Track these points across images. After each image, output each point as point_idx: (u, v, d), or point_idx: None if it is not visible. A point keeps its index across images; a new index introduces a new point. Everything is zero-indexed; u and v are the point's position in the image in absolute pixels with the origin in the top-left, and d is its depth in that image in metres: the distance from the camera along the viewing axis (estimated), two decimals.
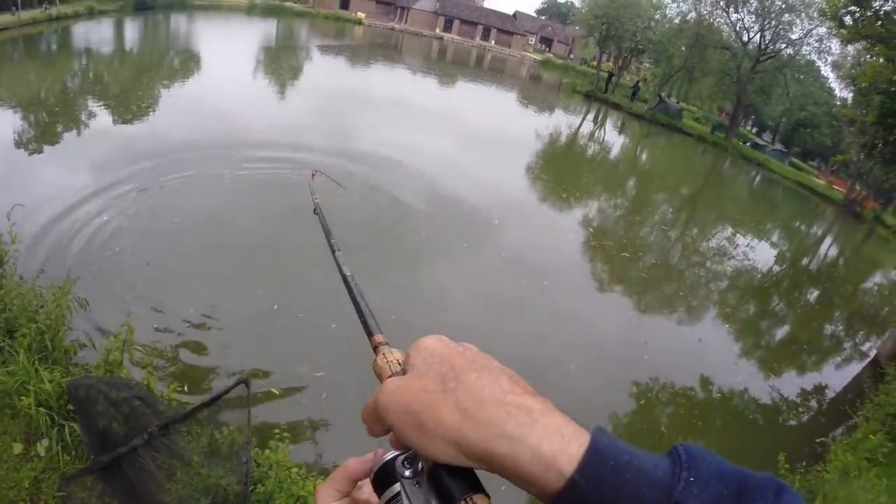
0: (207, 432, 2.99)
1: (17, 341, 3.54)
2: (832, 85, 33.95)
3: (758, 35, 30.24)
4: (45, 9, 39.06)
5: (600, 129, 26.72)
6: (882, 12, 10.73)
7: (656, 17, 34.89)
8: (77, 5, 42.60)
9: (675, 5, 32.13)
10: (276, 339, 5.27)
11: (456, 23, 59.82)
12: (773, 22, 29.13)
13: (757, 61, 30.07)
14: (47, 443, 3.14)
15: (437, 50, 47.75)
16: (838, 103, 31.40)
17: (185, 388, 4.13)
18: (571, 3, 44.67)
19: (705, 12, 30.85)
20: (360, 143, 12.21)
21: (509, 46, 60.43)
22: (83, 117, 12.29)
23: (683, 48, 30.96)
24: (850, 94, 19.92)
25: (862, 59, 14.98)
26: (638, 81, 39.64)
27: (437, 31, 58.08)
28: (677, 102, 36.52)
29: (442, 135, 14.90)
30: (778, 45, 29.94)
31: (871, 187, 27.17)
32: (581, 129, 24.58)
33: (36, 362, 3.41)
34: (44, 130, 10.83)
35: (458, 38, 58.47)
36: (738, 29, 30.87)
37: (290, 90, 18.63)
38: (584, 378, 5.93)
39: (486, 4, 76.81)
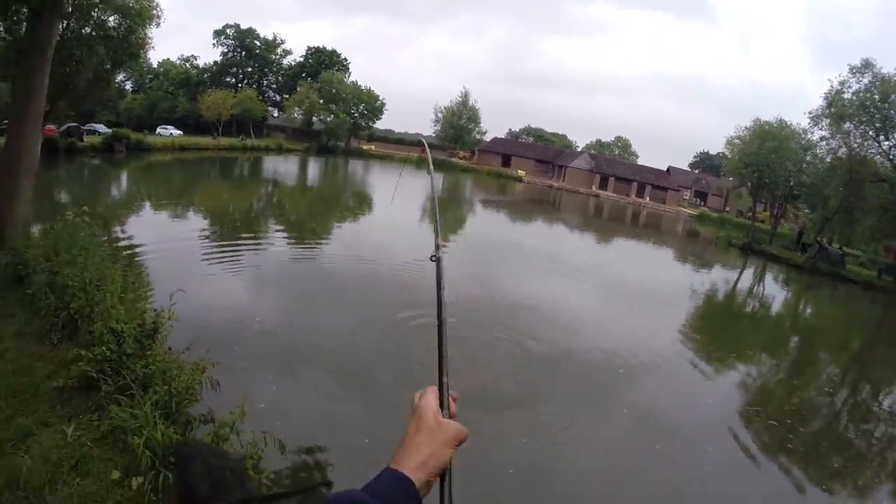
0: None
1: (149, 395, 4.10)
2: None
3: None
4: (242, 139, 51.81)
5: (759, 285, 25.28)
6: None
7: (807, 158, 33.64)
8: (268, 141, 56.59)
9: (824, 143, 30.91)
10: None
11: (611, 180, 63.51)
12: None
13: None
14: (141, 480, 3.50)
15: (593, 207, 49.29)
16: None
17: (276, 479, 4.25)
18: (723, 153, 45.31)
19: (856, 145, 29.06)
20: (507, 289, 13.25)
21: (664, 202, 61.43)
22: (262, 235, 14.94)
23: (840, 188, 28.81)
24: None
25: None
26: (801, 230, 37.82)
27: (594, 188, 62.08)
28: (839, 248, 33.46)
29: (591, 287, 15.28)
30: None
31: None
32: (738, 285, 23.45)
33: (157, 416, 3.86)
34: (225, 238, 12.93)
35: (614, 195, 61.45)
36: (891, 157, 28.72)
37: (454, 237, 20.07)
38: None
39: (640, 161, 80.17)
